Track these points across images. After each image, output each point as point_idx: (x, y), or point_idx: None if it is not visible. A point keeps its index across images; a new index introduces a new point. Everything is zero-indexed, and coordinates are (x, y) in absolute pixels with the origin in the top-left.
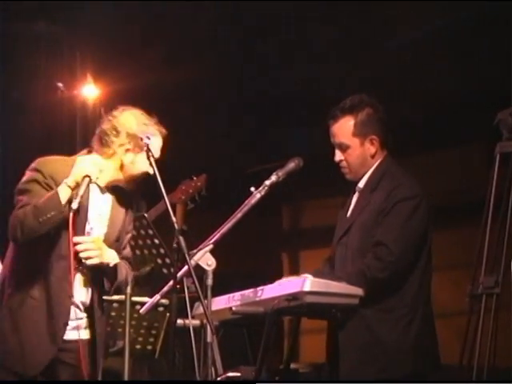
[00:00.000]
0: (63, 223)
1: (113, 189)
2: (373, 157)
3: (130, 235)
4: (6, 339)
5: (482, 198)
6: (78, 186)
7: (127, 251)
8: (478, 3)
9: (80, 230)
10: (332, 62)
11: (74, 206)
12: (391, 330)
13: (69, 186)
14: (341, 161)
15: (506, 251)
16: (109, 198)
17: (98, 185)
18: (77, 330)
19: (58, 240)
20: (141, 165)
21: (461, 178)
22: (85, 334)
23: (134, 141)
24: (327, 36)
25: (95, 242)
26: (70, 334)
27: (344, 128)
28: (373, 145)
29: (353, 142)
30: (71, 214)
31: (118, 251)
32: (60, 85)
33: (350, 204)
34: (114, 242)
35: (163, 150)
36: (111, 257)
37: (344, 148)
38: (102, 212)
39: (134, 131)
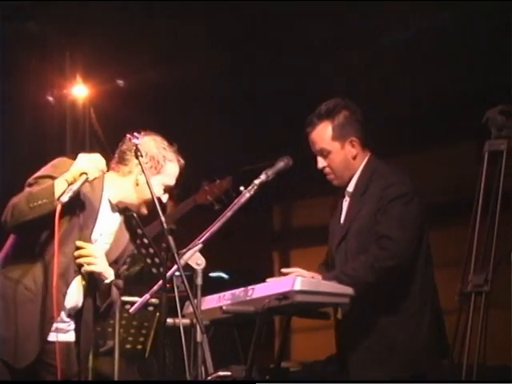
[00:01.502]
0: (71, 223)
1: (124, 211)
2: (354, 158)
3: (124, 267)
4: (1, 327)
5: (471, 196)
6: (75, 181)
7: (120, 281)
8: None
9: (86, 237)
10: (326, 60)
11: (64, 198)
12: (401, 332)
13: (66, 180)
14: (324, 167)
15: (495, 249)
16: (117, 218)
17: (110, 202)
18: (57, 332)
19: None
20: (155, 188)
21: (450, 176)
22: (66, 337)
23: (151, 162)
24: (322, 35)
25: (97, 252)
26: (50, 335)
27: (323, 133)
28: (353, 147)
29: (333, 147)
30: (59, 206)
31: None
32: (50, 99)
33: (341, 209)
34: (112, 263)
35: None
36: (108, 273)
37: (325, 154)
38: (108, 229)
39: (152, 153)
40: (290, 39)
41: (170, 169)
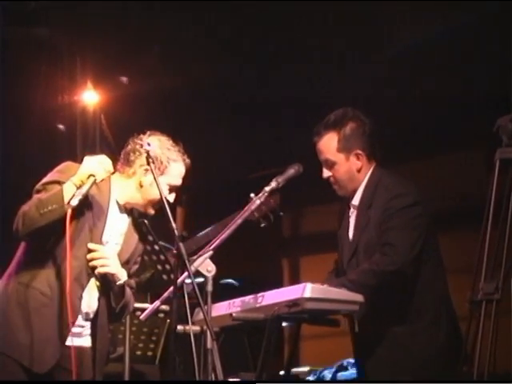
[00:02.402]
0: (81, 226)
1: (131, 211)
2: (359, 171)
3: (136, 266)
4: (17, 332)
5: (481, 203)
6: (83, 184)
7: (132, 281)
8: (477, 8)
9: (97, 239)
10: (332, 67)
11: (74, 202)
12: (417, 341)
13: (74, 184)
14: (329, 177)
15: (505, 257)
16: (126, 219)
17: (118, 203)
18: (73, 336)
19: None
20: (161, 189)
21: (461, 183)
22: (82, 342)
23: (155, 163)
24: (326, 42)
25: (109, 253)
26: (67, 340)
27: (328, 144)
28: (358, 159)
29: (338, 158)
30: (69, 211)
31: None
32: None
33: (348, 222)
34: (124, 264)
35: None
36: (121, 274)
37: (330, 164)
38: (118, 230)
39: (156, 154)
40: (298, 46)
41: (175, 169)
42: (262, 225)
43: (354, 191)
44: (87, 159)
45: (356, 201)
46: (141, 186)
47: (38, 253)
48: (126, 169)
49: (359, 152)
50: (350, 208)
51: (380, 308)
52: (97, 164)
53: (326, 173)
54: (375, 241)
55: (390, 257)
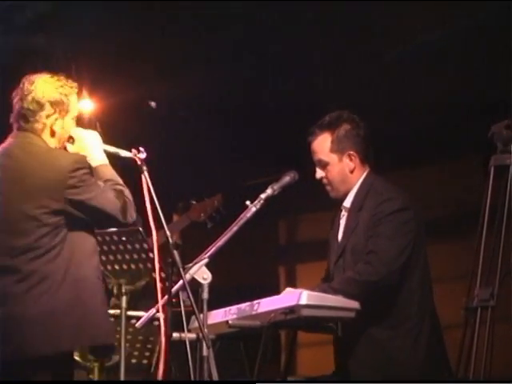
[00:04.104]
0: None
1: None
2: (352, 172)
3: None
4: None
5: (476, 209)
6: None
7: None
8: (475, 13)
9: None
10: (331, 73)
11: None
12: (401, 347)
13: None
14: (322, 178)
15: (501, 263)
16: None
17: None
18: None
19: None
20: (70, 126)
21: (456, 190)
22: None
23: (59, 107)
24: (327, 48)
25: None
26: None
27: (322, 145)
28: (351, 160)
29: (331, 159)
30: None
31: None
32: None
33: (338, 224)
34: None
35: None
36: None
37: (323, 165)
38: None
39: (55, 98)
40: (295, 52)
41: (74, 101)
42: (209, 226)
43: (346, 194)
44: (86, 137)
45: (348, 203)
46: (53, 136)
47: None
48: (34, 126)
49: (352, 153)
50: (341, 211)
51: (362, 312)
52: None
53: (319, 173)
54: (362, 244)
55: (373, 267)
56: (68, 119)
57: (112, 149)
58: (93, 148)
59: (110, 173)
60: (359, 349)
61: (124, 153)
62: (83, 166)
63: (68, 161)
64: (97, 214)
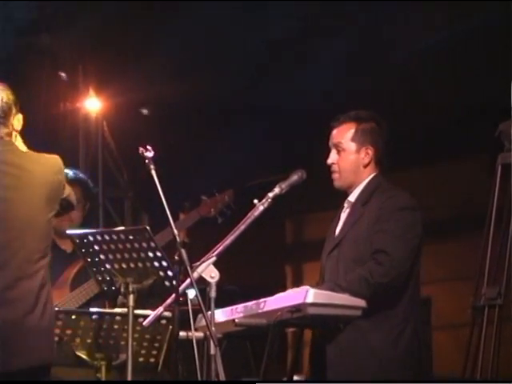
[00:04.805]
0: None
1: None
2: (365, 167)
3: None
4: None
5: (483, 208)
6: None
7: None
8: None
9: None
10: (339, 74)
11: None
12: (384, 340)
13: None
14: (332, 164)
15: (508, 262)
16: None
17: None
18: None
19: None
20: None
21: (463, 189)
22: None
23: (18, 116)
24: (336, 49)
25: None
26: None
27: (345, 131)
28: (367, 155)
29: (349, 146)
30: None
31: None
32: (63, 75)
33: (338, 219)
34: None
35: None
36: None
37: (340, 149)
38: None
39: (11, 106)
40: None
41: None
42: (220, 221)
43: (350, 186)
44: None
45: (352, 198)
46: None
47: None
48: (5, 130)
49: (370, 148)
50: (344, 206)
51: None
52: None
53: (332, 158)
54: (365, 236)
55: (384, 268)
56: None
57: None
58: None
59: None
60: (342, 339)
61: None
62: None
63: (54, 160)
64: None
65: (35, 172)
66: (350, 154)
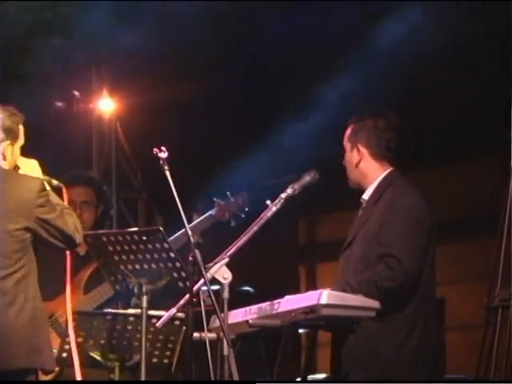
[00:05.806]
0: None
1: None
2: (356, 166)
3: None
4: None
5: (496, 209)
6: None
7: None
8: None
9: None
10: (344, 73)
11: None
12: (389, 343)
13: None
14: (344, 164)
15: None
16: None
17: None
18: None
19: None
20: (18, 154)
21: (476, 190)
22: None
23: (12, 135)
24: (339, 46)
25: None
26: None
27: (347, 132)
28: (358, 153)
29: (346, 146)
30: None
31: None
32: (76, 93)
33: (357, 218)
34: None
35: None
36: None
37: (344, 150)
38: None
39: (8, 126)
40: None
41: (22, 130)
42: (233, 224)
43: (357, 184)
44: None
45: (366, 196)
46: (4, 159)
47: None
48: None
49: (360, 147)
50: (361, 204)
51: None
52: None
53: (344, 158)
54: (372, 235)
55: (393, 271)
56: (17, 147)
57: (45, 178)
58: (37, 175)
59: (56, 197)
60: (350, 340)
61: (55, 182)
62: (46, 188)
63: (35, 181)
64: (57, 234)
65: (7, 190)
66: (346, 154)
